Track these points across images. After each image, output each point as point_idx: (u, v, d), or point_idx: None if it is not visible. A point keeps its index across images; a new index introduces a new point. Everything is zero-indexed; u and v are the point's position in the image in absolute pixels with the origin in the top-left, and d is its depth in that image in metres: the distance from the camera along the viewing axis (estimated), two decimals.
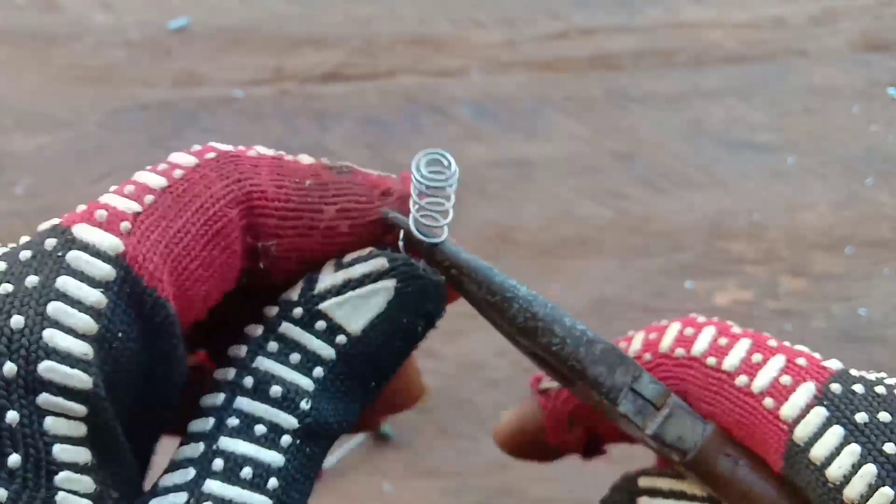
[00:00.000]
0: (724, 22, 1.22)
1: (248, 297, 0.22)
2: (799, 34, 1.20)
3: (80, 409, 0.17)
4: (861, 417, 0.20)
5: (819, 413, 0.20)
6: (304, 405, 0.20)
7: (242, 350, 0.21)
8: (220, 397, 0.20)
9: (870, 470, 0.19)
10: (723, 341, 0.23)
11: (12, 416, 0.17)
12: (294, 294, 0.21)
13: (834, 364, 0.22)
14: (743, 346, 0.23)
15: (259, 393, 0.20)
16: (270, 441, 0.20)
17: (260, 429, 0.20)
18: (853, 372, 0.22)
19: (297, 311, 0.21)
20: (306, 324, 0.21)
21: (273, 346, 0.21)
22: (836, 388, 0.21)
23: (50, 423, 0.17)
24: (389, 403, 0.25)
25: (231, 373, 0.21)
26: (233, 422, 0.20)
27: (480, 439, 0.78)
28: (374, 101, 1.09)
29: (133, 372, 0.19)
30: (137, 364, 0.19)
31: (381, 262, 0.22)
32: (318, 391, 0.21)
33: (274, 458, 0.20)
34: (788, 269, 0.93)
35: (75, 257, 0.18)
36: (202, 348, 0.24)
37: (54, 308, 0.18)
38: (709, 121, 1.07)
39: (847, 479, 0.19)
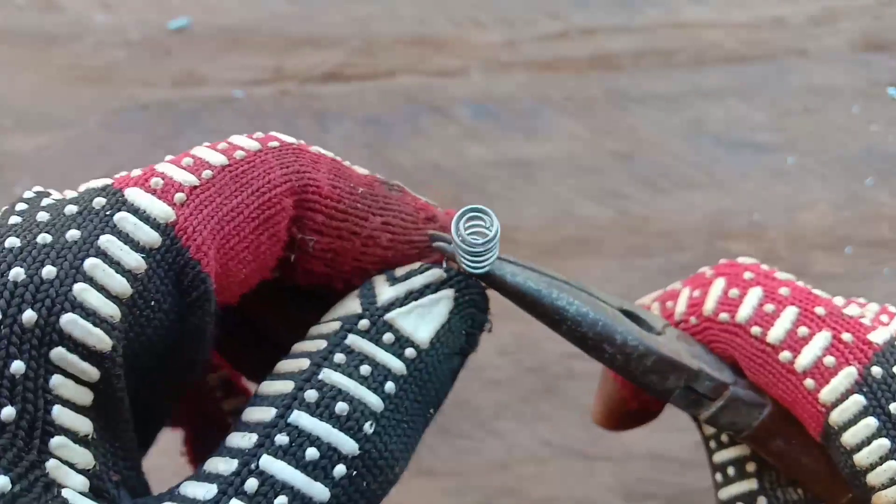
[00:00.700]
0: (724, 22, 1.22)
1: (270, 304, 0.22)
2: (799, 34, 1.20)
3: (92, 371, 0.17)
4: (895, 408, 0.21)
5: (856, 401, 0.21)
6: (368, 428, 0.18)
7: (303, 363, 0.19)
8: (270, 412, 0.19)
9: (892, 466, 0.21)
10: (769, 308, 0.23)
11: (17, 366, 0.16)
12: (355, 306, 0.21)
13: (880, 336, 0.22)
14: (788, 316, 0.23)
15: (322, 408, 0.18)
16: (321, 470, 0.18)
17: (312, 453, 0.18)
18: None
19: (364, 322, 0.20)
20: (374, 336, 0.20)
21: (340, 357, 0.19)
22: (877, 372, 0.22)
23: (56, 381, 0.16)
24: None
25: (289, 385, 0.19)
26: (282, 439, 0.18)
27: (480, 439, 0.78)
28: (374, 101, 1.09)
29: (157, 345, 0.18)
30: (164, 337, 0.18)
31: (438, 273, 0.22)
32: (386, 412, 0.19)
33: (319, 492, 0.18)
34: (788, 269, 0.93)
35: (123, 218, 0.18)
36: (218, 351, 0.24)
37: (91, 264, 0.17)
38: (709, 121, 1.07)
39: (873, 466, 0.21)
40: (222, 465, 0.18)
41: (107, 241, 0.17)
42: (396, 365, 0.20)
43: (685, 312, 0.25)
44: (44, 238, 0.17)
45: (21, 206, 0.18)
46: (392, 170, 1.11)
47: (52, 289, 0.16)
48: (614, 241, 0.92)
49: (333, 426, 0.18)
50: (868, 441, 0.21)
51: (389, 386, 0.19)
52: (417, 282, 0.21)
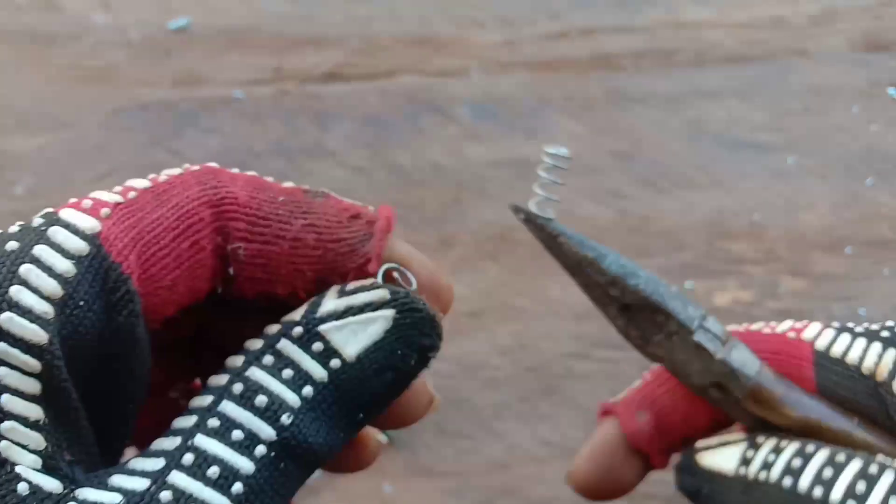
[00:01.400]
0: (724, 22, 1.22)
1: (241, 322, 0.24)
2: (799, 34, 1.20)
3: (33, 363, 0.19)
4: (859, 329, 0.28)
5: (830, 331, 0.28)
6: (286, 419, 0.21)
7: (239, 360, 0.22)
8: (207, 399, 0.21)
9: (875, 347, 0.27)
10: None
11: None
12: (297, 315, 0.23)
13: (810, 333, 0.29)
14: (759, 324, 0.29)
15: (245, 399, 0.21)
16: (244, 448, 0.21)
17: (237, 434, 0.21)
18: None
19: (298, 329, 0.22)
20: (304, 343, 0.22)
21: (268, 359, 0.22)
22: (835, 324, 0.29)
23: (2, 371, 0.19)
24: (398, 414, 0.25)
25: (224, 379, 0.22)
26: (213, 423, 0.21)
27: (480, 439, 0.78)
28: (374, 101, 1.09)
29: (93, 342, 0.21)
30: (98, 336, 0.21)
31: (382, 293, 0.23)
32: (303, 409, 0.22)
33: (244, 464, 0.20)
34: (788, 269, 0.93)
35: (55, 231, 0.21)
36: (196, 375, 0.26)
37: (26, 269, 0.20)
38: (709, 121, 1.07)
39: (861, 357, 0.27)
40: (167, 442, 0.21)
41: (40, 249, 0.20)
42: (319, 373, 0.22)
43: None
44: None
45: None
46: (392, 170, 1.11)
47: None
48: (614, 241, 0.92)
49: (254, 415, 0.21)
50: (850, 345, 0.27)
51: (307, 390, 0.22)
52: (360, 298, 0.23)
